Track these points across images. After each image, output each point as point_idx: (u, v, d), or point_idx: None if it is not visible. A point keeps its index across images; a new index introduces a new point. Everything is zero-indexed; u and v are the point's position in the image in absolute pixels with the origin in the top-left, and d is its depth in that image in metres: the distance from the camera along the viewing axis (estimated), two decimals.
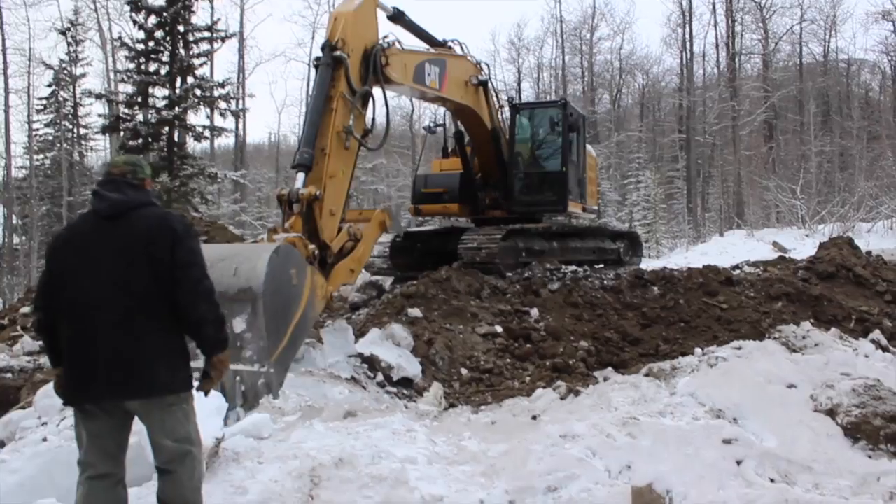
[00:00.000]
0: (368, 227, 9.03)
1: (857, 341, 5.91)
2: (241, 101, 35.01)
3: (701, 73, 53.12)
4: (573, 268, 12.38)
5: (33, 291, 11.16)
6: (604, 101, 61.30)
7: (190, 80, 22.52)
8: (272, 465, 4.24)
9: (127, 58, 23.34)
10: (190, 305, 3.51)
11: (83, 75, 40.03)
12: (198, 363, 3.66)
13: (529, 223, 13.49)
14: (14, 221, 36.46)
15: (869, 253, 13.65)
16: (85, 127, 40.30)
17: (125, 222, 3.57)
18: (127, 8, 23.51)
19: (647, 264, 18.67)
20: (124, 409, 3.56)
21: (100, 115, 27.58)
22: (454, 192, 13.67)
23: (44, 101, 41.14)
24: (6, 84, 34.78)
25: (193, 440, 3.67)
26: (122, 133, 22.86)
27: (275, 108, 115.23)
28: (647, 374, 5.03)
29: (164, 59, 22.33)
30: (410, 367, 8.31)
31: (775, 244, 27.17)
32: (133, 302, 3.47)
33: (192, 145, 28.07)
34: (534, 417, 4.53)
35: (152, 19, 22.47)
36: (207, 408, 4.72)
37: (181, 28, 22.34)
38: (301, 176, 7.67)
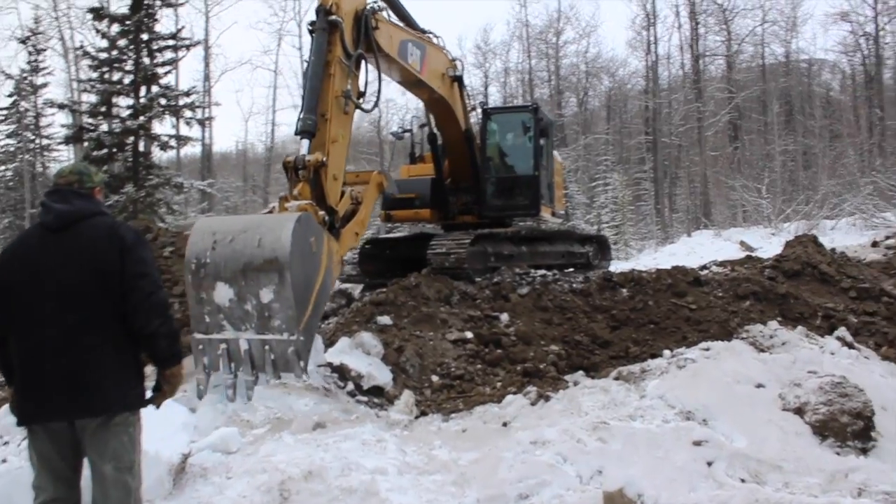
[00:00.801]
0: (367, 189, 9.10)
1: (824, 339, 5.96)
2: (206, 110, 34.81)
3: (666, 74, 53.67)
4: (542, 272, 12.38)
5: None
6: (570, 104, 61.61)
7: (154, 89, 22.26)
8: (240, 479, 4.18)
9: (90, 67, 23.04)
10: (141, 319, 3.39)
11: (45, 85, 39.41)
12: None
13: (499, 228, 13.49)
14: None
15: (833, 250, 13.80)
16: (47, 137, 39.64)
17: (72, 234, 3.45)
18: (89, 16, 23.19)
19: (617, 266, 18.77)
20: (74, 430, 3.40)
21: (62, 126, 27.12)
22: (425, 198, 13.62)
23: (4, 112, 40.43)
24: None
25: (134, 473, 3.48)
26: (85, 143, 22.54)
27: (241, 116, 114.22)
28: (616, 378, 5.02)
29: (128, 67, 22.06)
30: (381, 375, 8.26)
31: (742, 243, 27.41)
32: (81, 316, 3.35)
33: (157, 155, 27.80)
34: (504, 424, 4.50)
35: (115, 27, 22.20)
36: (174, 424, 4.66)
37: (145, 36, 22.07)
38: (305, 142, 7.66)
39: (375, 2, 9.42)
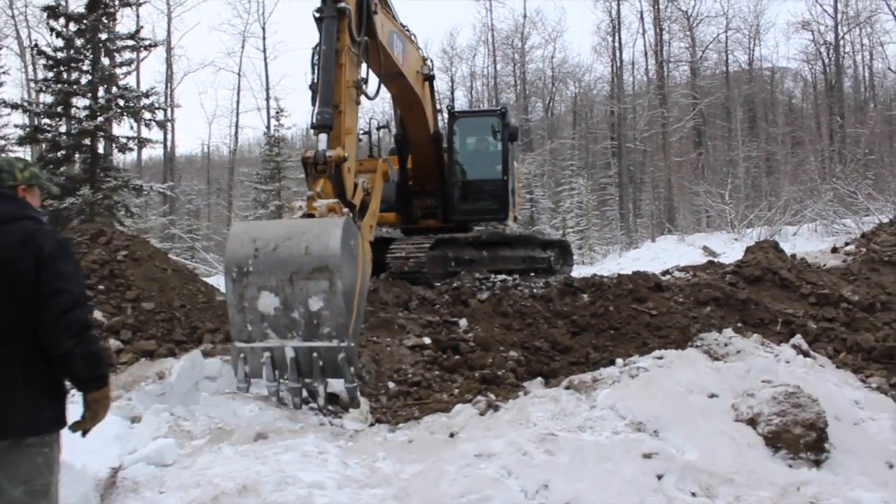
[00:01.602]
0: (376, 179, 9.01)
1: (779, 347, 5.87)
2: (168, 112, 34.27)
3: (631, 80, 54.03)
4: (503, 277, 12.26)
5: None
6: (537, 109, 61.83)
7: (113, 89, 21.79)
8: (173, 494, 3.97)
9: (45, 66, 22.52)
10: (52, 339, 3.07)
11: (0, 84, 38.61)
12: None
13: (461, 233, 13.37)
14: None
15: (794, 256, 13.85)
16: (3, 139, 38.82)
17: None
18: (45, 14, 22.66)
19: (581, 271, 18.75)
20: None
21: (16, 126, 26.50)
22: (390, 201, 13.43)
23: None
24: None
25: (50, 497, 3.18)
26: (41, 145, 22.03)
27: (205, 119, 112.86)
28: (567, 387, 4.88)
29: (85, 67, 21.58)
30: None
31: (705, 248, 27.60)
32: None
33: (119, 158, 27.24)
34: (451, 435, 4.34)
35: (73, 26, 21.71)
36: (105, 436, 4.43)
37: (103, 36, 21.60)
38: (323, 137, 7.49)
39: None
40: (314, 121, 7.75)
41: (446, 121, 14.20)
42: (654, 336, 10.13)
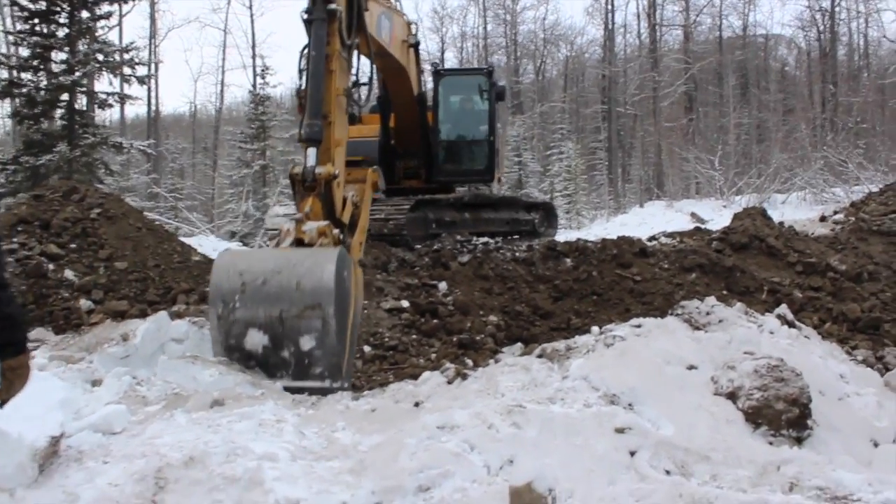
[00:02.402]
0: (365, 191, 8.44)
1: (764, 316, 5.63)
2: (151, 68, 33.62)
3: (622, 43, 53.53)
4: (485, 239, 12.02)
5: None
6: (528, 71, 61.33)
7: (92, 44, 21.19)
8: (117, 465, 3.72)
9: (19, 18, 21.89)
10: None
11: None
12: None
13: (444, 194, 13.10)
14: None
15: (782, 224, 13.65)
16: None
17: None
18: None
19: (567, 235, 18.54)
20: None
21: None
22: (373, 161, 13.11)
23: None
24: None
25: None
26: (16, 100, 21.47)
27: (191, 77, 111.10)
28: (539, 356, 4.65)
29: (62, 20, 20.96)
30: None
31: (693, 215, 27.47)
32: None
33: (104, 115, 26.58)
34: (416, 404, 4.10)
35: None
36: (48, 402, 4.17)
37: None
38: (312, 151, 6.85)
39: None
40: (303, 134, 7.26)
41: (432, 79, 13.86)
42: (638, 302, 9.95)
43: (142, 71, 23.59)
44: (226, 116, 51.33)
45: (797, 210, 26.13)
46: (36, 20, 21.12)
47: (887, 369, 6.08)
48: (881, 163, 30.83)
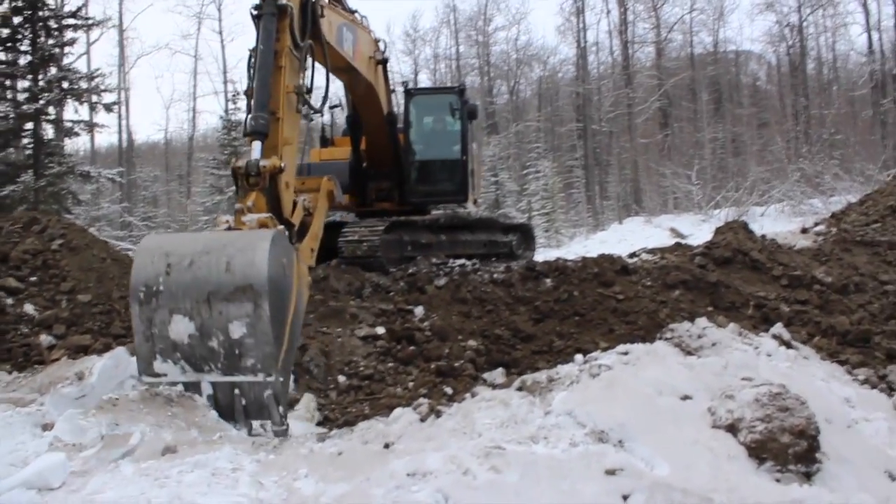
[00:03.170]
0: (320, 199, 8.13)
1: (759, 338, 5.30)
2: (121, 94, 33.16)
3: (595, 60, 53.69)
4: (461, 262, 11.68)
5: None
6: (502, 91, 61.43)
7: (55, 70, 20.79)
8: None
9: None
10: None
11: None
12: None
13: (418, 215, 12.78)
14: None
15: (763, 237, 13.41)
16: None
17: None
18: None
19: (547, 254, 18.24)
20: None
21: None
22: (343, 183, 12.83)
23: None
24: None
25: None
26: None
27: (162, 104, 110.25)
28: (519, 388, 4.27)
29: (24, 48, 20.55)
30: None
31: (673, 230, 27.35)
32: None
33: (76, 145, 26.07)
34: (386, 446, 3.72)
35: (8, 3, 20.65)
36: None
37: (43, 14, 20.57)
38: (257, 145, 6.58)
39: None
40: (247, 127, 6.92)
41: (403, 98, 13.56)
42: (621, 322, 9.61)
43: (109, 98, 23.14)
44: (199, 143, 50.77)
45: (776, 222, 26.02)
46: None
47: (892, 390, 5.76)
48: (857, 173, 30.89)
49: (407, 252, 12.00)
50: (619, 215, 40.60)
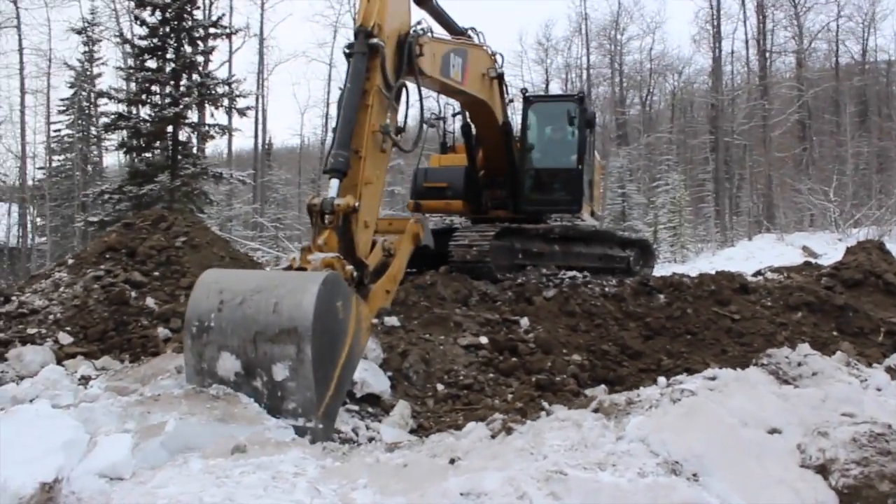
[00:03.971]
0: (403, 241, 8.00)
1: (869, 369, 4.80)
2: (259, 100, 34.47)
3: (730, 70, 51.85)
4: (572, 273, 11.40)
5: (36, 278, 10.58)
6: (634, 102, 60.32)
7: (194, 77, 21.89)
8: None
9: (130, 55, 22.84)
10: None
11: (99, 75, 39.89)
12: None
13: (533, 224, 12.61)
14: (35, 222, 36.30)
15: None
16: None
17: None
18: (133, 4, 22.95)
19: (668, 270, 17.68)
20: None
21: (102, 114, 27.09)
22: (458, 188, 12.79)
23: (66, 102, 41.08)
24: (22, 85, 34.65)
25: None
26: (123, 132, 22.32)
27: (298, 109, 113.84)
28: (595, 410, 4.04)
29: (169, 56, 21.74)
30: (377, 382, 7.43)
31: (805, 249, 26.03)
32: None
33: (213, 147, 27.36)
34: (452, 461, 3.58)
35: (158, 15, 21.95)
36: (49, 443, 3.83)
37: (186, 24, 21.72)
38: (335, 183, 6.51)
39: (419, 23, 8.30)
40: (327, 164, 6.75)
41: (522, 106, 13.45)
42: (736, 343, 9.17)
43: (243, 103, 24.14)
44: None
45: None
46: (145, 55, 21.96)
47: None
48: None
49: (517, 260, 11.84)
50: (749, 231, 39.01)
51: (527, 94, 13.91)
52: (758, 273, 12.10)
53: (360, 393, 7.08)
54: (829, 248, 25.36)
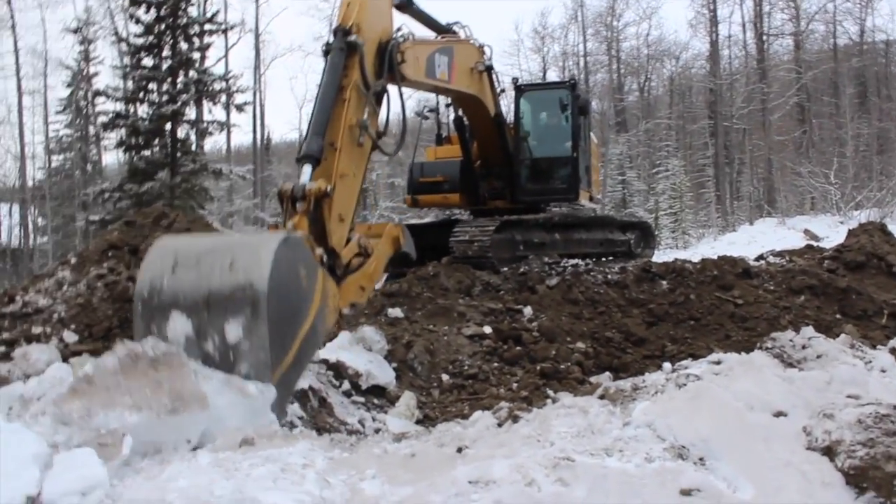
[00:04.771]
0: (381, 242, 7.75)
1: (873, 351, 4.80)
2: (258, 95, 34.46)
3: (728, 54, 51.70)
4: (574, 261, 11.41)
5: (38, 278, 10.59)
6: (632, 88, 60.18)
7: (190, 73, 21.88)
8: None
9: (124, 53, 22.86)
10: None
11: (96, 74, 39.91)
12: None
13: (532, 214, 12.59)
14: (36, 222, 36.39)
15: None
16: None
17: None
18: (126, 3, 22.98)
19: (670, 256, 17.68)
20: None
21: (100, 113, 27.15)
22: (454, 181, 12.78)
23: (64, 102, 41.12)
24: (19, 86, 34.71)
25: None
26: (121, 130, 22.33)
27: (296, 104, 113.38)
28: (601, 396, 4.04)
29: (165, 53, 21.74)
30: (382, 373, 7.45)
31: (807, 232, 26.02)
32: None
33: (211, 144, 27.40)
34: (459, 450, 3.60)
35: (153, 13, 21.95)
36: (21, 456, 3.74)
37: (181, 21, 21.70)
38: (307, 169, 6.39)
39: (399, 29, 8.25)
40: (298, 152, 6.66)
41: (514, 94, 13.43)
42: (739, 328, 9.17)
43: (241, 99, 24.14)
44: None
45: None
46: (141, 53, 21.95)
47: None
48: None
49: (519, 251, 11.85)
50: (750, 216, 39.01)
51: (518, 83, 13.88)
52: (760, 257, 12.11)
53: (366, 384, 7.11)
54: (831, 231, 25.35)
